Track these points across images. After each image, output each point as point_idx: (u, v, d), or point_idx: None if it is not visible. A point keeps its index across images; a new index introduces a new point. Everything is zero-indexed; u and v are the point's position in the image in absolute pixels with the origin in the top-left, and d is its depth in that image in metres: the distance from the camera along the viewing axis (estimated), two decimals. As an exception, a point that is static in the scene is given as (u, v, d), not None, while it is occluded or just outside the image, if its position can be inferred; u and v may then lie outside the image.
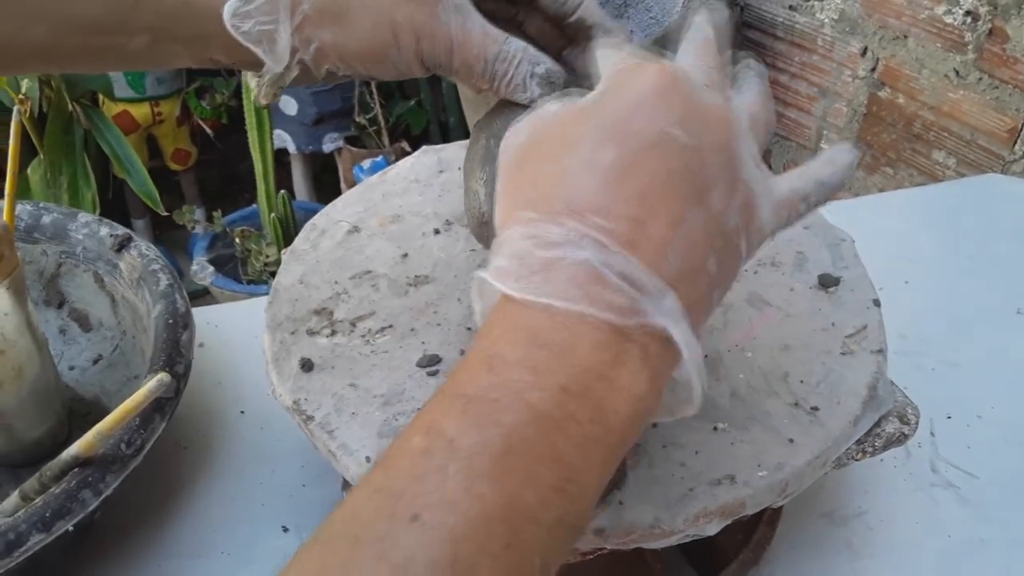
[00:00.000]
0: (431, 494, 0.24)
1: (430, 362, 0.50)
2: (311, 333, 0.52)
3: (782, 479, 0.43)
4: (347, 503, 0.26)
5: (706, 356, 0.50)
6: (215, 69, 1.84)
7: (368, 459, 0.44)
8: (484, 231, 0.45)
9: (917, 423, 0.50)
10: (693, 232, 0.29)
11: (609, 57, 0.34)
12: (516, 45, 0.40)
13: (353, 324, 0.53)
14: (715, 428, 0.46)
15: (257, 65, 0.39)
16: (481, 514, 0.24)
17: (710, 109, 0.31)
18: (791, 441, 0.45)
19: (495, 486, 0.25)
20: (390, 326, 0.52)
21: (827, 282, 0.55)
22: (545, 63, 0.41)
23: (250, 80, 0.42)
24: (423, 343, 0.51)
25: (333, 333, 0.52)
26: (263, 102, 0.41)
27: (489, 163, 0.43)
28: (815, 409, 0.47)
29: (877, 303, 0.54)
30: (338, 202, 0.63)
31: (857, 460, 0.49)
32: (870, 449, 0.49)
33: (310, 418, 0.47)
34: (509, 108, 0.43)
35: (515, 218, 0.30)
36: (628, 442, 0.29)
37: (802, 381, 0.49)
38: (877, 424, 0.49)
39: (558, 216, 0.29)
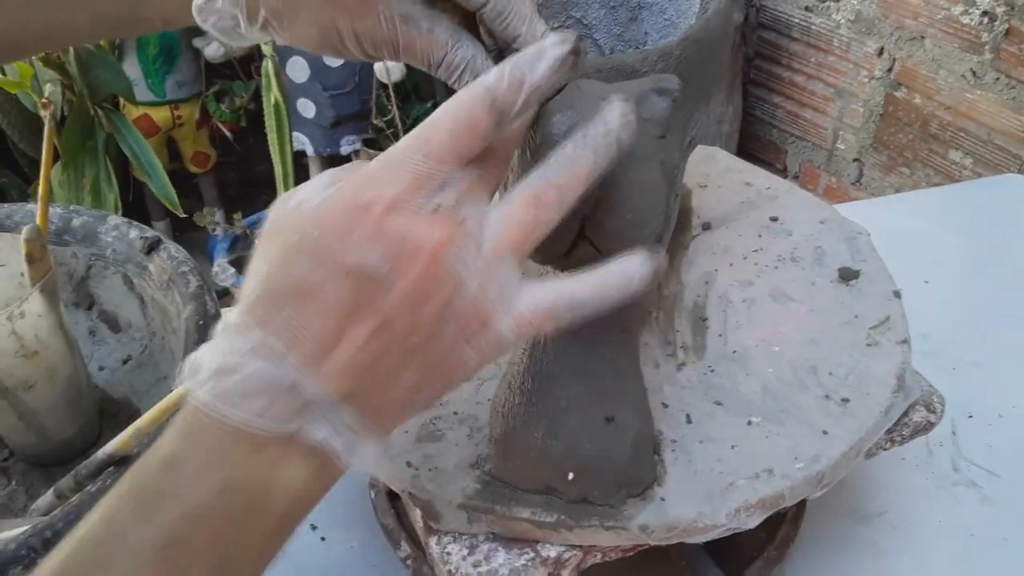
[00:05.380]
0: None
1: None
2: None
3: (819, 470, 0.44)
4: None
5: (734, 352, 0.51)
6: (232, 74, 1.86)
7: (409, 464, 0.45)
8: None
9: (943, 411, 0.50)
10: (375, 351, 0.31)
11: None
12: (463, 55, 0.38)
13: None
14: (749, 422, 0.46)
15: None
16: None
17: (408, 238, 0.30)
18: (825, 433, 0.46)
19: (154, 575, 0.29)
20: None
21: (847, 275, 0.56)
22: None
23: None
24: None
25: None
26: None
27: (512, 172, 0.43)
28: (846, 400, 0.47)
29: (898, 294, 0.54)
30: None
31: (886, 449, 0.49)
32: (899, 438, 0.49)
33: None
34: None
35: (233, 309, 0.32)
36: (289, 524, 0.32)
37: (831, 373, 0.49)
38: (904, 413, 0.49)
39: (248, 319, 0.30)
